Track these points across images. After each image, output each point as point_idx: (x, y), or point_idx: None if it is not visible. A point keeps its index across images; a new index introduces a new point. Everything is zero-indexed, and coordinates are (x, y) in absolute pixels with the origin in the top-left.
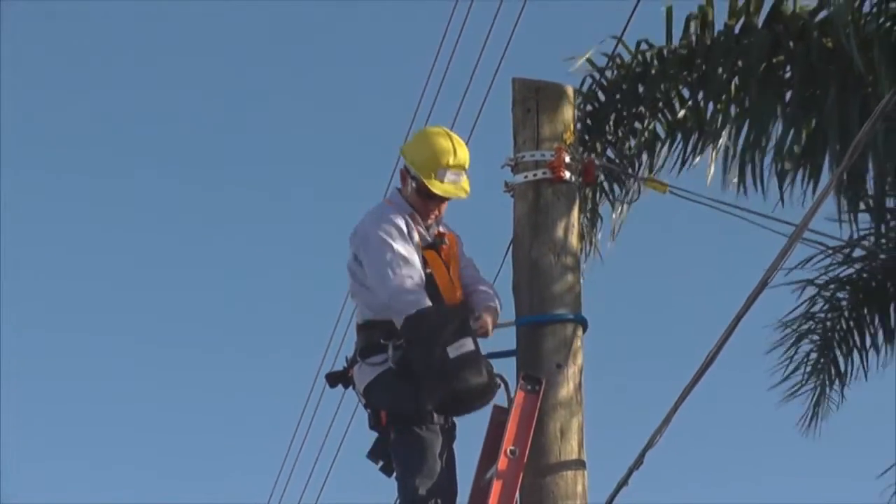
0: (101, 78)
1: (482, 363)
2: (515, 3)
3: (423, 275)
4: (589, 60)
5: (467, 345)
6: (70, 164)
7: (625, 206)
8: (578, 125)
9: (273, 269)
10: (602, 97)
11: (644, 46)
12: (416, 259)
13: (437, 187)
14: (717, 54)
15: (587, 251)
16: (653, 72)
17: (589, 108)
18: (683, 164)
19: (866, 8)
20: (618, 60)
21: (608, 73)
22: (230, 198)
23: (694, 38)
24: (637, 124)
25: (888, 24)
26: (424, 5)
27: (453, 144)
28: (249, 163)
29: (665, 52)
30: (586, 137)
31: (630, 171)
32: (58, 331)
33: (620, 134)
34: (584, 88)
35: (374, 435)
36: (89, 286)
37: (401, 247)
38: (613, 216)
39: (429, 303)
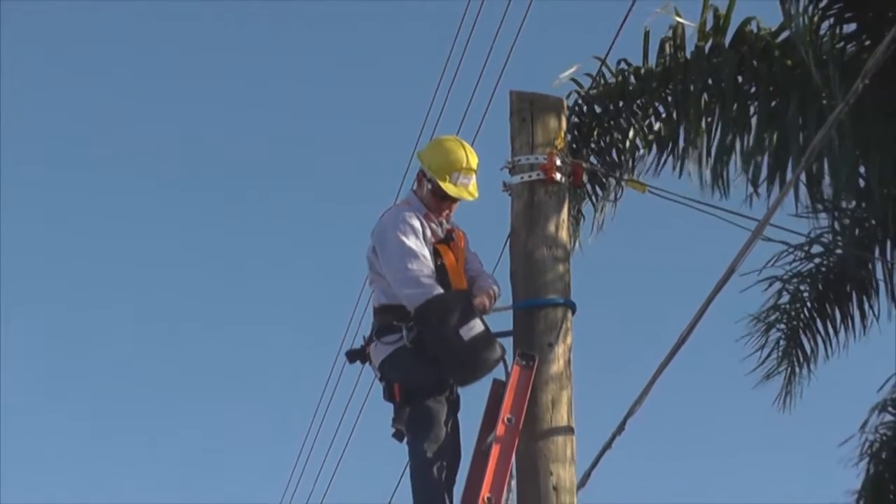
0: (102, 75)
1: (493, 339)
2: (514, 23)
3: (433, 268)
4: (573, 80)
5: (477, 326)
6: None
7: (607, 205)
8: (568, 135)
9: (290, 262)
10: (586, 110)
11: (623, 66)
12: (427, 254)
13: (450, 189)
14: (688, 72)
15: (573, 246)
16: (631, 88)
17: (576, 119)
18: (660, 168)
19: (822, 29)
20: (601, 79)
21: (593, 90)
22: (254, 190)
23: (668, 57)
24: (618, 134)
25: (841, 43)
26: (430, 27)
27: (465, 152)
28: (260, 167)
29: (642, 70)
30: (573, 146)
31: (613, 173)
32: (58, 328)
33: (603, 143)
34: (571, 103)
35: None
36: (86, 267)
37: (413, 243)
38: (596, 215)
39: (439, 291)
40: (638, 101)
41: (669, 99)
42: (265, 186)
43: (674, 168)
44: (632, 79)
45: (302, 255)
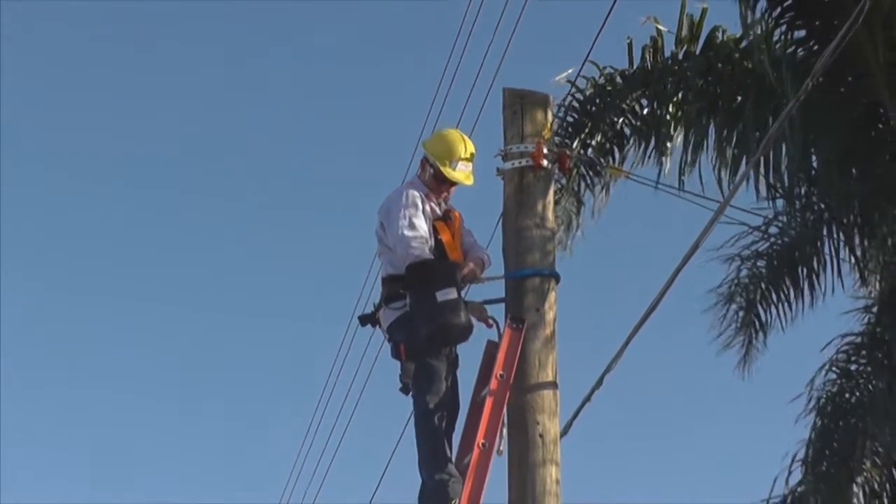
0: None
1: (461, 309)
2: (507, 28)
3: (428, 237)
4: (569, 81)
5: (452, 293)
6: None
7: (603, 192)
8: (560, 128)
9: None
10: (579, 107)
11: (610, 70)
12: (423, 225)
13: (449, 174)
14: (665, 75)
15: (574, 229)
16: (617, 88)
17: (570, 116)
18: (646, 158)
19: (776, 36)
20: (593, 80)
21: (584, 91)
22: (262, 176)
23: (649, 62)
24: (605, 128)
25: (792, 47)
26: (430, 32)
27: (464, 142)
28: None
29: (626, 73)
30: (566, 141)
31: (596, 161)
32: (59, 322)
33: (595, 135)
34: (566, 101)
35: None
36: (82, 260)
37: (413, 214)
38: (593, 201)
39: (428, 256)
40: (624, 100)
41: (649, 98)
42: (276, 182)
43: (655, 158)
44: (618, 79)
45: (300, 253)
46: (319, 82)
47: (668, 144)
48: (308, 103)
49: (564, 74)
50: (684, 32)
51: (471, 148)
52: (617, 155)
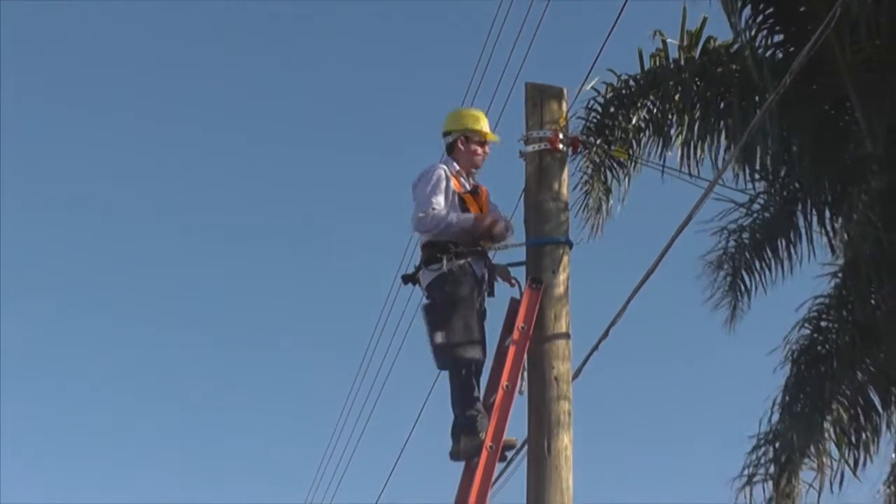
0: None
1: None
2: (529, 30)
3: (442, 204)
4: (593, 88)
5: (438, 338)
6: None
7: (626, 181)
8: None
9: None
10: (602, 108)
11: (625, 76)
12: (441, 201)
13: (481, 130)
14: (668, 78)
15: (605, 214)
16: (631, 91)
17: (596, 115)
18: (664, 148)
19: (758, 41)
20: (610, 86)
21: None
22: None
23: (656, 68)
24: (624, 124)
25: (772, 50)
26: (461, 35)
27: (479, 113)
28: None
29: (638, 78)
30: (591, 138)
31: (604, 146)
32: (59, 322)
33: (616, 131)
34: (590, 104)
35: None
36: (83, 263)
37: (435, 185)
38: (621, 188)
39: (442, 213)
40: (638, 100)
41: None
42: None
43: (664, 147)
44: (632, 83)
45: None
46: (356, 74)
47: (672, 136)
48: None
49: (592, 83)
50: (685, 42)
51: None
52: (635, 146)
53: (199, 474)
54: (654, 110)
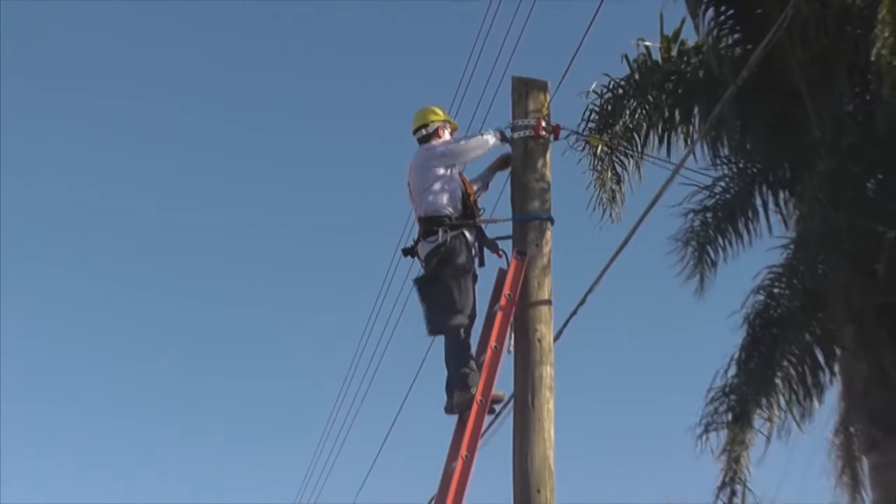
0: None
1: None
2: (516, 28)
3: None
4: (594, 91)
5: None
6: None
7: (637, 171)
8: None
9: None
10: (599, 108)
11: (614, 81)
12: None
13: (453, 120)
14: (648, 81)
15: (619, 202)
16: (621, 92)
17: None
18: (662, 141)
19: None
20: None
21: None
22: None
23: (639, 72)
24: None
25: (732, 48)
26: (452, 31)
27: (441, 107)
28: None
29: (624, 83)
30: (592, 133)
31: (589, 133)
32: (60, 321)
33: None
34: (589, 108)
35: None
36: (81, 261)
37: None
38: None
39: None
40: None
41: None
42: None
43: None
44: (619, 90)
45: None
46: (357, 69)
47: (648, 130)
48: (352, 88)
49: (592, 87)
50: (663, 44)
51: None
52: (637, 139)
53: (197, 475)
54: (639, 111)
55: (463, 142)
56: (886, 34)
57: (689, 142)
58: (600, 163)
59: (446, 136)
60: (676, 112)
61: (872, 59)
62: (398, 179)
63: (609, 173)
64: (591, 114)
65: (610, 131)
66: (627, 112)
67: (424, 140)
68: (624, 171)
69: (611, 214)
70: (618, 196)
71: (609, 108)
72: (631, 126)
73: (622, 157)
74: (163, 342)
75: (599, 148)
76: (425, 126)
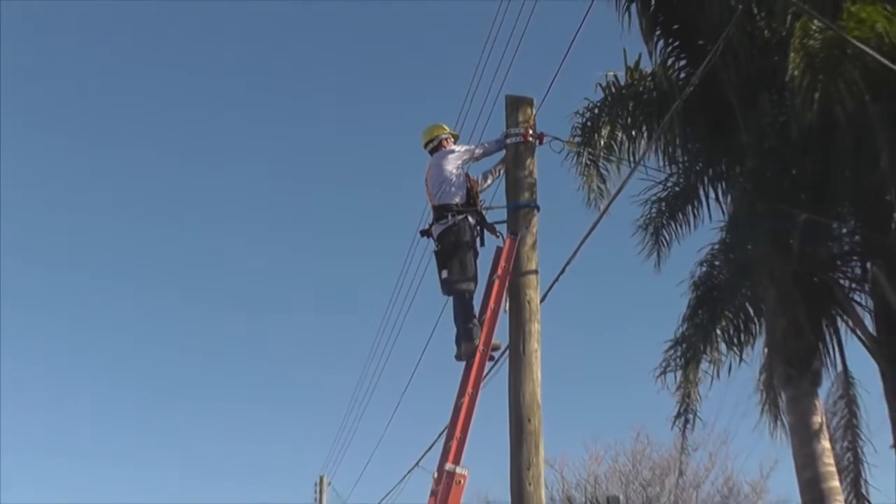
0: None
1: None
2: (510, 49)
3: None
4: (577, 112)
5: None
6: None
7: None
8: (577, 138)
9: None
10: (583, 125)
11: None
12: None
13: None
14: (615, 103)
15: (609, 197)
16: (595, 112)
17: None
18: (630, 147)
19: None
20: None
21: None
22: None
23: (610, 95)
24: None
25: (679, 72)
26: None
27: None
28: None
29: (598, 105)
30: (580, 148)
31: (568, 139)
32: (61, 320)
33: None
34: (575, 125)
35: None
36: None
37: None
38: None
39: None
40: (599, 121)
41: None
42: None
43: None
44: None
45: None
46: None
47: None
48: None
49: (578, 110)
50: (628, 78)
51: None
52: (615, 147)
53: (199, 474)
54: (611, 126)
55: (472, 146)
56: (797, 60)
57: (655, 147)
58: (586, 169)
59: (450, 145)
60: (640, 124)
61: (787, 79)
62: (397, 185)
63: (594, 176)
64: (577, 130)
65: (592, 142)
66: (602, 127)
67: (434, 150)
68: (607, 172)
69: (597, 205)
70: (604, 192)
71: (589, 124)
72: (606, 137)
73: (606, 162)
74: (163, 341)
75: (584, 156)
76: (434, 139)
